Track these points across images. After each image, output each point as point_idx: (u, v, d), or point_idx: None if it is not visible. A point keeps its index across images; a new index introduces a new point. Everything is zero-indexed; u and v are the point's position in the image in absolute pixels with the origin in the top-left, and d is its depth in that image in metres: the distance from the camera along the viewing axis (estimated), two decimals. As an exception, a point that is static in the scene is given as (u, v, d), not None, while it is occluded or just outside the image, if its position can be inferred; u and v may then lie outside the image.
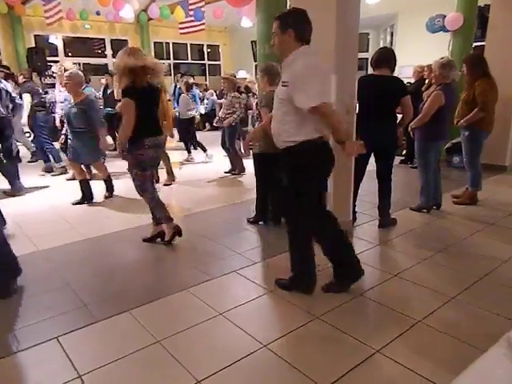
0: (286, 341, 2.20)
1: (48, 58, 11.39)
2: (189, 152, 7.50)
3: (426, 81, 6.08)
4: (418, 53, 7.67)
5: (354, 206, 3.89)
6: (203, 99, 12.16)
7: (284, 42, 2.42)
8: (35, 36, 12.13)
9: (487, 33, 6.00)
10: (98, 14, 11.72)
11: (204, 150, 7.42)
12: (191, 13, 10.12)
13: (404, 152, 6.48)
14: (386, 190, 3.83)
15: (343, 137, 2.42)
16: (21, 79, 6.92)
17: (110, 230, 3.91)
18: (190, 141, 7.59)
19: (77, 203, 4.81)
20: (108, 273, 3.08)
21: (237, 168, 6.37)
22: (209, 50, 16.13)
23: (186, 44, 15.24)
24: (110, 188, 5.10)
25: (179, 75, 8.52)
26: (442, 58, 4.10)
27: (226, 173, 6.41)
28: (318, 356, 2.08)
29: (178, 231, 3.53)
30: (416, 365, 1.97)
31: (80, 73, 4.62)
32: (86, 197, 4.87)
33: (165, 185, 5.68)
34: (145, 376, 1.97)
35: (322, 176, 2.62)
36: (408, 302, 2.58)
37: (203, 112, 11.52)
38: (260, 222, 4.02)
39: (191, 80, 8.64)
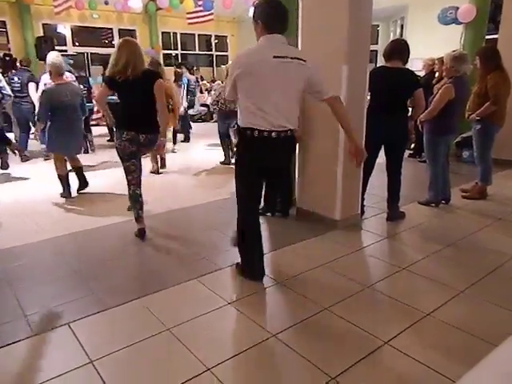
0: (294, 331, 2.21)
1: (56, 48, 11.38)
2: (174, 142, 7.62)
3: (437, 74, 6.03)
4: (429, 45, 7.59)
5: (363, 199, 3.88)
6: (210, 90, 12.12)
7: (255, 32, 2.47)
8: (44, 25, 12.12)
9: (500, 25, 5.91)
10: (106, 3, 11.68)
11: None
12: (200, 3, 10.05)
13: (413, 146, 6.43)
14: (395, 183, 3.81)
15: None
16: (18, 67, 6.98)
17: (114, 221, 3.94)
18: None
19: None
20: (116, 261, 3.10)
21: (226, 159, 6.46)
22: (216, 41, 16.03)
23: (194, 34, 15.16)
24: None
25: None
26: (454, 51, 4.05)
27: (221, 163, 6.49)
28: (326, 346, 2.10)
29: (139, 235, 3.47)
30: (425, 357, 1.98)
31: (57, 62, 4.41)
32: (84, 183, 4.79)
33: (152, 172, 5.72)
34: (155, 362, 1.99)
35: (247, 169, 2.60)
36: (416, 295, 2.58)
37: (209, 102, 11.47)
38: (268, 214, 4.03)
39: (183, 70, 8.61)
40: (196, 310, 2.40)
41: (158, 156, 5.77)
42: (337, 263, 3.00)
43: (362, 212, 3.93)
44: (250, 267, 2.75)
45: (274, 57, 2.31)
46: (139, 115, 3.21)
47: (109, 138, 8.11)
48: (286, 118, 2.43)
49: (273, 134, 2.40)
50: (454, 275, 2.82)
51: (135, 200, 3.47)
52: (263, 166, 2.58)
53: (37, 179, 5.55)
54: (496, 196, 4.56)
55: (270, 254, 3.19)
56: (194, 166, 6.33)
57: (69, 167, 4.78)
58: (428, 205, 4.24)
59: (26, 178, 5.64)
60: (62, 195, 4.69)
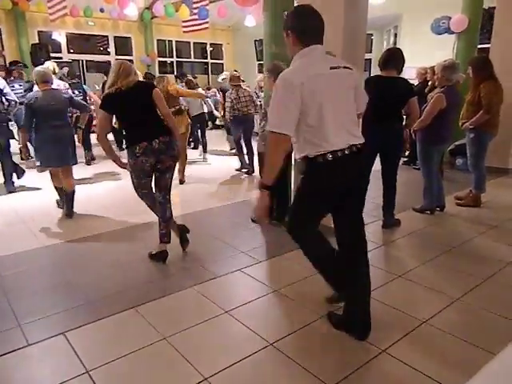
0: (292, 339, 2.21)
1: (51, 55, 11.37)
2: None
3: (429, 83, 6.10)
4: (422, 54, 7.67)
5: (358, 206, 3.89)
6: (206, 97, 12.15)
7: (288, 46, 2.13)
8: (39, 32, 12.12)
9: (492, 35, 6.00)
10: (101, 11, 11.70)
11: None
12: (195, 11, 10.11)
13: (407, 153, 6.48)
14: (391, 190, 3.84)
15: (265, 182, 2.04)
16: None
17: (112, 228, 3.92)
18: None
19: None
20: (112, 270, 3.09)
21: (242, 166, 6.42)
22: (211, 49, 16.11)
23: (189, 42, 15.22)
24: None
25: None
26: (445, 61, 4.10)
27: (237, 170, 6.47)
28: (324, 355, 2.10)
29: (182, 228, 3.35)
30: (422, 365, 1.98)
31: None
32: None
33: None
34: (152, 372, 1.98)
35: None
36: (413, 302, 2.59)
37: (206, 111, 11.49)
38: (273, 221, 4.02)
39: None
40: (192, 318, 2.39)
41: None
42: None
43: (358, 219, 3.94)
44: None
45: (331, 68, 2.05)
46: (143, 126, 3.06)
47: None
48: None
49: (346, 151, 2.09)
50: (450, 282, 2.83)
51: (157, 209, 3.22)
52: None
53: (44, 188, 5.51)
54: (490, 203, 4.60)
55: (267, 262, 3.20)
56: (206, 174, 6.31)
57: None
58: (423, 212, 4.26)
59: (37, 188, 5.46)
60: (59, 205, 4.55)
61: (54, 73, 6.15)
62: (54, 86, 4.81)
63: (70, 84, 6.82)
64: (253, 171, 6.23)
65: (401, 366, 1.99)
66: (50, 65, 6.06)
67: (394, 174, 3.83)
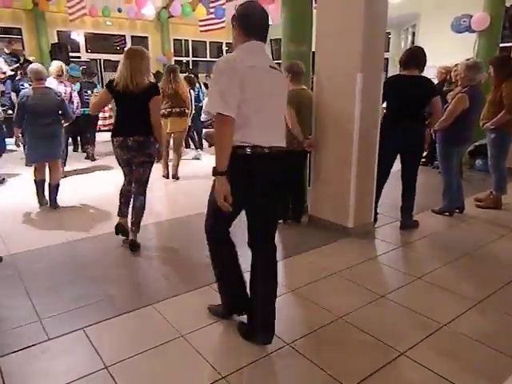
0: (309, 340, 2.19)
1: (70, 54, 11.54)
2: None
3: (448, 82, 6.00)
4: (440, 53, 7.53)
5: (376, 206, 3.86)
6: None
7: (233, 38, 2.11)
8: (58, 32, 12.31)
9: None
10: (119, 11, 11.82)
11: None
12: (212, 10, 10.13)
13: (425, 153, 6.38)
14: (410, 191, 3.78)
15: (219, 168, 1.92)
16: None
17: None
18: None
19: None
20: (130, 266, 3.11)
21: None
22: (227, 48, 16.13)
23: (205, 42, 15.27)
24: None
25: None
26: (469, 60, 4.03)
27: None
28: (341, 356, 2.07)
29: (119, 229, 3.47)
30: (442, 369, 1.95)
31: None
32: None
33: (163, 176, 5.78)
34: (170, 369, 1.99)
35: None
36: (432, 305, 2.54)
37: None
38: (280, 221, 4.01)
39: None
40: (210, 316, 2.39)
41: (170, 163, 5.82)
42: (350, 272, 2.98)
43: (375, 220, 3.90)
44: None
45: (270, 66, 2.05)
46: (128, 122, 3.26)
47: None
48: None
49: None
50: (471, 285, 2.78)
51: (121, 193, 3.49)
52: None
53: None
54: (511, 205, 4.49)
55: (283, 262, 3.18)
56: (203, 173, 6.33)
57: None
58: (442, 214, 4.19)
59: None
60: (40, 205, 4.51)
61: (61, 74, 6.16)
62: (55, 87, 5.04)
63: (81, 83, 6.89)
64: None
65: (420, 370, 1.95)
66: (58, 65, 6.10)
67: (414, 174, 3.77)
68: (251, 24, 2.03)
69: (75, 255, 3.33)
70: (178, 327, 2.29)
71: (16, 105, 4.22)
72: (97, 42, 13.57)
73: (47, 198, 4.54)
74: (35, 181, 4.53)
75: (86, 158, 7.17)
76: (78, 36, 12.92)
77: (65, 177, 5.65)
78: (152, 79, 3.46)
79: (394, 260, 3.22)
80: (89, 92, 6.95)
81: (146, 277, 2.97)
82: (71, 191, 5.09)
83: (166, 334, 2.23)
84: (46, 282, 2.85)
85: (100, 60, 13.35)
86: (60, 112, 4.42)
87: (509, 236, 3.68)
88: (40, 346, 2.15)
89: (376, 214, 3.89)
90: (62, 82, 5.93)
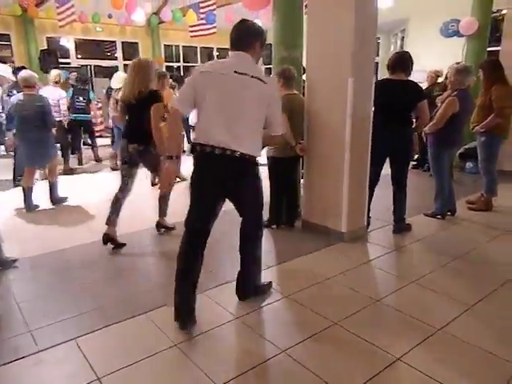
0: (304, 347, 2.17)
1: (60, 60, 11.46)
2: None
3: (437, 86, 6.07)
4: (429, 57, 7.63)
5: (368, 210, 3.86)
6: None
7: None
8: (47, 38, 12.23)
9: (502, 38, 5.95)
10: (109, 17, 11.79)
11: None
12: (203, 16, 10.14)
13: (416, 156, 6.43)
14: (401, 195, 3.80)
15: (171, 153, 2.31)
16: None
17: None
18: None
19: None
20: (121, 274, 3.07)
21: None
22: (218, 54, 16.15)
23: (196, 47, 15.28)
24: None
25: None
26: (458, 63, 4.07)
27: None
28: (337, 362, 2.06)
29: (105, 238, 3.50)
30: (439, 374, 1.94)
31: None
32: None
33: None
34: (163, 380, 1.95)
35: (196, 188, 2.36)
36: (427, 309, 2.54)
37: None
38: (273, 226, 4.00)
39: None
40: (204, 324, 2.36)
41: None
42: (344, 276, 2.97)
43: (368, 224, 3.90)
44: None
45: (235, 72, 2.22)
46: (131, 128, 3.53)
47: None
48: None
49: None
50: (464, 289, 2.79)
51: (113, 202, 3.52)
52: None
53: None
54: (502, 207, 4.53)
55: (276, 267, 3.17)
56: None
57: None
58: (434, 217, 4.21)
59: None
60: (27, 210, 4.56)
61: (58, 81, 6.20)
62: (50, 94, 5.31)
63: (74, 90, 6.92)
64: None
65: (417, 375, 1.95)
66: (56, 73, 6.16)
67: (404, 178, 3.79)
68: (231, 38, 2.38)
69: (67, 263, 3.28)
70: (171, 337, 2.26)
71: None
72: (87, 47, 13.51)
73: (33, 204, 4.62)
74: (23, 188, 4.56)
75: (78, 164, 7.12)
76: (68, 42, 12.85)
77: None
78: (154, 87, 3.51)
79: (387, 264, 3.22)
80: (80, 98, 6.93)
81: (138, 285, 2.93)
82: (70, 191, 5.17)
83: (160, 344, 2.19)
84: (36, 290, 2.80)
85: (90, 66, 13.29)
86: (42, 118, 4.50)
87: (500, 238, 3.71)
88: (31, 357, 2.10)
89: (368, 217, 3.90)
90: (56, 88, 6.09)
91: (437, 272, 3.04)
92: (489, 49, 6.92)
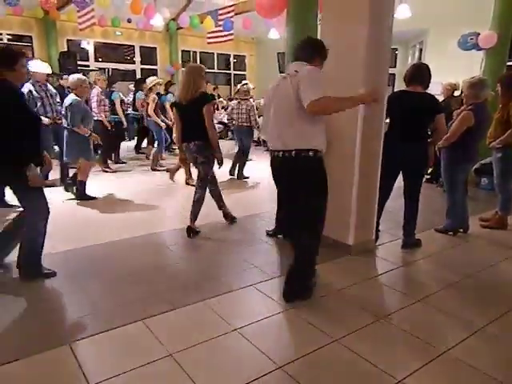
0: (302, 363, 2.10)
1: (79, 63, 11.65)
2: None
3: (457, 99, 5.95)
4: (447, 70, 7.50)
5: (378, 223, 3.77)
6: (227, 108, 12.23)
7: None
8: (68, 40, 12.45)
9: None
10: (129, 21, 11.96)
11: None
12: (220, 23, 10.20)
13: (430, 170, 6.31)
14: (413, 209, 3.69)
15: None
16: None
17: (124, 236, 3.90)
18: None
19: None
20: (121, 280, 3.04)
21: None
22: (235, 60, 16.24)
23: (213, 53, 15.39)
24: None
25: None
26: (473, 77, 3.98)
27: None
28: (335, 382, 1.98)
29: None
30: (441, 400, 1.85)
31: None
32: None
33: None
34: None
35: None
36: (433, 329, 2.44)
37: (226, 121, 11.58)
38: (279, 235, 3.94)
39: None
40: (201, 335, 2.31)
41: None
42: (349, 291, 2.89)
43: (377, 237, 3.81)
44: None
45: (283, 77, 2.66)
46: (188, 129, 3.84)
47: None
48: None
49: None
50: (473, 310, 2.68)
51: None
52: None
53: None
54: (517, 226, 4.39)
55: (279, 279, 3.09)
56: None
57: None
58: (445, 233, 4.10)
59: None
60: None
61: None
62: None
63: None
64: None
65: (418, 400, 1.86)
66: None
67: (417, 192, 3.69)
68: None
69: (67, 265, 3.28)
70: (166, 345, 2.21)
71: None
72: (106, 51, 13.71)
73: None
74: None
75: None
76: (88, 45, 13.06)
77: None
78: (204, 90, 3.83)
79: (394, 280, 3.13)
80: (106, 101, 7.05)
81: (135, 292, 2.90)
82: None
83: (154, 353, 2.15)
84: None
85: (108, 69, 13.47)
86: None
87: (514, 258, 3.58)
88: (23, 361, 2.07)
89: (378, 231, 3.81)
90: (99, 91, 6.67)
91: (445, 291, 2.93)
92: (509, 63, 6.78)
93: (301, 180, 2.62)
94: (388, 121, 3.64)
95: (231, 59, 16.12)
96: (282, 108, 2.58)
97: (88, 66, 12.58)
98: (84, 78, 5.10)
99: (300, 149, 2.55)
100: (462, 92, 5.31)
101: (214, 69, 15.83)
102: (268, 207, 4.76)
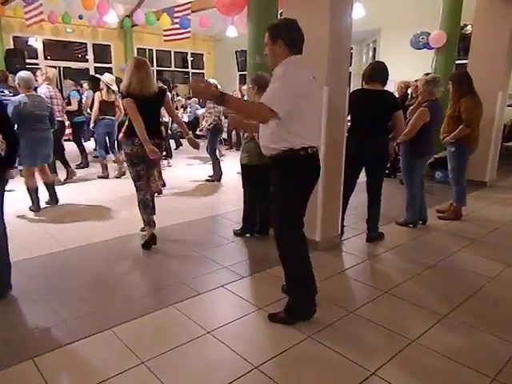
0: (278, 362, 2.11)
1: (27, 61, 11.06)
2: None
3: (413, 95, 6.20)
4: (400, 68, 7.79)
5: (343, 219, 3.85)
6: (186, 107, 12.05)
7: (273, 52, 2.39)
8: (14, 37, 11.78)
9: (469, 51, 6.14)
10: (80, 17, 11.48)
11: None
12: (177, 20, 10.04)
13: (388, 165, 6.51)
14: (376, 204, 3.81)
15: None
16: None
17: (87, 241, 3.75)
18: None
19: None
20: (88, 287, 2.92)
21: (214, 175, 6.48)
22: (192, 59, 16.04)
23: (170, 51, 15.11)
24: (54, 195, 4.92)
25: None
26: (428, 75, 4.15)
27: (207, 180, 6.49)
28: (312, 378, 2.00)
29: (152, 240, 3.60)
30: (414, 388, 1.91)
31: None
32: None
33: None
34: None
35: (303, 189, 2.45)
36: (401, 320, 2.52)
37: (186, 120, 11.40)
38: (247, 234, 3.93)
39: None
40: (173, 340, 2.26)
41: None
42: (318, 286, 2.92)
43: (342, 232, 3.89)
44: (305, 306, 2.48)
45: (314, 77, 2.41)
46: (149, 124, 3.47)
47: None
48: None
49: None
50: (437, 298, 2.79)
51: (145, 204, 3.60)
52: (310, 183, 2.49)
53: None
54: (470, 217, 4.63)
55: (250, 278, 3.09)
56: (184, 183, 6.18)
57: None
58: (406, 225, 4.25)
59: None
60: (31, 208, 4.63)
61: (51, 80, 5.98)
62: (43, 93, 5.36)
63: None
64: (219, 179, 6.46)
65: (392, 390, 1.91)
66: (52, 72, 6.03)
67: (380, 187, 3.81)
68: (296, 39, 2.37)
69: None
70: (138, 353, 2.14)
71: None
72: (56, 48, 13.10)
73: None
74: (29, 188, 4.59)
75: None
76: (36, 42, 12.42)
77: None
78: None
79: (361, 273, 3.21)
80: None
81: (100, 300, 2.79)
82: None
83: (125, 361, 2.07)
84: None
85: (60, 67, 12.88)
86: (49, 119, 4.67)
87: (470, 247, 3.77)
88: None
89: (343, 226, 3.89)
90: (53, 88, 5.92)
91: (410, 281, 3.04)
92: (457, 61, 7.14)
93: None
94: (349, 118, 3.72)
95: (189, 57, 15.90)
96: (318, 107, 2.63)
97: (37, 65, 11.96)
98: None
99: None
100: (415, 89, 5.51)
101: (171, 67, 15.57)
102: (232, 207, 4.74)
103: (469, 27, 8.03)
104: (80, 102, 7.58)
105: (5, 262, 2.75)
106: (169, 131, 7.87)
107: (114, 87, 6.42)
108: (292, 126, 2.27)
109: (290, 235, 2.48)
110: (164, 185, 5.85)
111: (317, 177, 2.51)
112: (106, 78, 6.36)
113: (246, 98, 7.10)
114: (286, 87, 2.20)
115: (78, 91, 7.67)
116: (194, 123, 10.82)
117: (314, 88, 2.38)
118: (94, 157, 7.56)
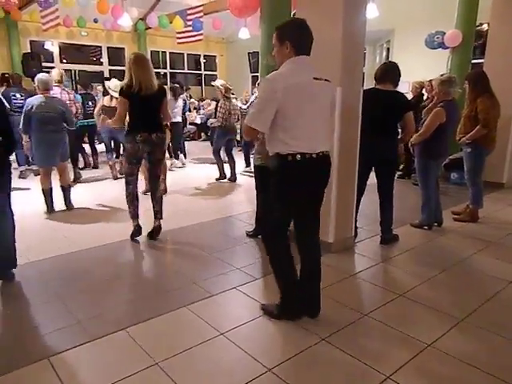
0: (291, 364, 2.09)
1: (43, 64, 11.25)
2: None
3: (425, 96, 6.12)
4: (414, 68, 7.70)
5: (356, 220, 3.82)
6: (199, 109, 12.11)
7: (281, 54, 2.33)
8: (31, 41, 12.00)
9: (486, 50, 6.03)
10: (95, 21, 11.65)
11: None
12: (190, 23, 10.10)
13: (402, 167, 6.45)
14: (388, 205, 3.77)
15: None
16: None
17: (101, 242, 3.78)
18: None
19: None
20: (101, 287, 2.95)
21: (220, 176, 6.59)
22: (205, 61, 16.12)
23: (183, 54, 15.21)
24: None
25: None
26: (443, 75, 4.09)
27: (217, 179, 6.59)
28: (326, 381, 1.98)
29: (137, 230, 3.78)
30: (430, 393, 1.88)
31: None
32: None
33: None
34: None
35: (289, 195, 2.33)
36: (415, 324, 2.49)
37: (199, 122, 11.47)
38: (259, 236, 3.92)
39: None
40: (186, 341, 2.26)
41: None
42: (331, 288, 2.90)
43: (355, 234, 3.86)
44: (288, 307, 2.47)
45: (314, 78, 2.27)
46: (152, 120, 3.65)
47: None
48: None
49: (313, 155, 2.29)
50: (452, 302, 2.74)
51: (133, 197, 3.73)
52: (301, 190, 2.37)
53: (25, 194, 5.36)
54: (487, 219, 4.54)
55: (261, 280, 3.08)
56: (191, 184, 6.22)
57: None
58: (421, 227, 4.19)
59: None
60: (46, 212, 4.69)
61: (60, 81, 6.05)
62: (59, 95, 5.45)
63: (82, 96, 6.91)
64: (235, 179, 6.52)
65: (407, 394, 1.88)
66: (57, 73, 6.09)
67: (391, 188, 3.77)
68: (302, 40, 2.29)
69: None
70: (151, 354, 2.15)
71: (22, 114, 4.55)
72: (72, 52, 13.30)
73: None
74: (43, 190, 4.64)
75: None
76: (52, 46, 12.63)
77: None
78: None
79: (375, 276, 3.17)
80: (90, 103, 6.87)
81: (115, 300, 2.81)
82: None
83: (139, 362, 2.08)
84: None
85: (75, 70, 13.08)
86: (64, 120, 4.70)
87: (487, 250, 3.69)
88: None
89: (356, 228, 3.85)
90: (63, 89, 6.05)
91: (424, 285, 2.99)
92: (473, 61, 7.02)
93: None
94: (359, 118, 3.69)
95: (201, 59, 15.98)
96: (321, 111, 2.38)
97: (53, 68, 12.14)
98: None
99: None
100: (431, 89, 5.44)
101: (184, 69, 15.67)
102: (245, 208, 4.74)
103: (484, 26, 7.91)
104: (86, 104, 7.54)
105: (11, 245, 2.95)
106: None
107: (116, 94, 6.46)
108: (279, 133, 2.22)
109: (271, 243, 2.46)
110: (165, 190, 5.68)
111: (311, 183, 2.35)
112: (111, 83, 6.38)
113: (252, 99, 7.17)
114: (264, 101, 2.20)
115: (86, 94, 7.59)
116: (207, 125, 10.86)
117: (313, 89, 2.26)
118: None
